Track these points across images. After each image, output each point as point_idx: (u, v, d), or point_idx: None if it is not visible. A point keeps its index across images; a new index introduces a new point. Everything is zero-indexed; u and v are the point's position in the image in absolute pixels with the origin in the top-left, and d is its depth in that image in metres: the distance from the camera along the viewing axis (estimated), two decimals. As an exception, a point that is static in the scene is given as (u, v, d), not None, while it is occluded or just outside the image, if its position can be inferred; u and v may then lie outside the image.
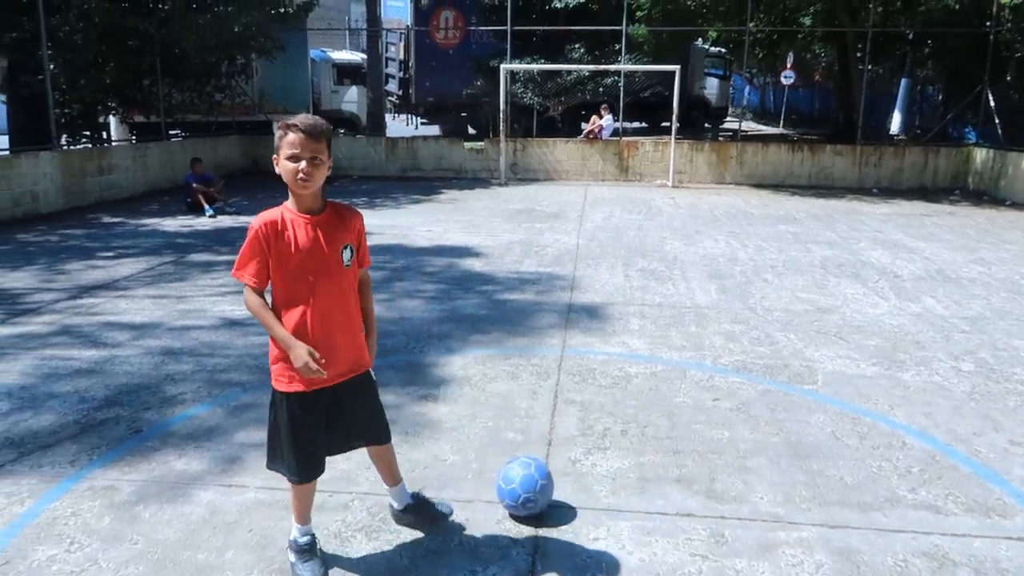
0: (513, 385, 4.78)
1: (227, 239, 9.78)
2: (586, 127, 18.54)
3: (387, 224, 10.96)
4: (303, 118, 2.55)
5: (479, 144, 17.06)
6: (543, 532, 3.15)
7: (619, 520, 3.24)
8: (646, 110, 24.29)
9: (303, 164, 2.52)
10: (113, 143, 16.45)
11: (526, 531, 3.15)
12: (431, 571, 2.90)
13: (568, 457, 3.82)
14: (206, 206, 11.63)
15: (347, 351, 2.73)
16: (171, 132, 16.68)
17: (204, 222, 11.08)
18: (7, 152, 11.79)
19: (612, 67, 16.93)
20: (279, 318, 2.61)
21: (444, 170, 17.14)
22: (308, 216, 2.62)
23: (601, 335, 5.84)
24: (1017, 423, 4.30)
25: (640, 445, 3.96)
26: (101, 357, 5.21)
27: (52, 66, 11.98)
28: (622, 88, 17.06)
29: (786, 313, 6.49)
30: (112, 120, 17.36)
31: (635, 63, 17.52)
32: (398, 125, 27.05)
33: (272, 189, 14.77)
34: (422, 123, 25.90)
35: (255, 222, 2.56)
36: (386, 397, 4.54)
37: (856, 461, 3.80)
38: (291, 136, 2.52)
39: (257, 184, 15.38)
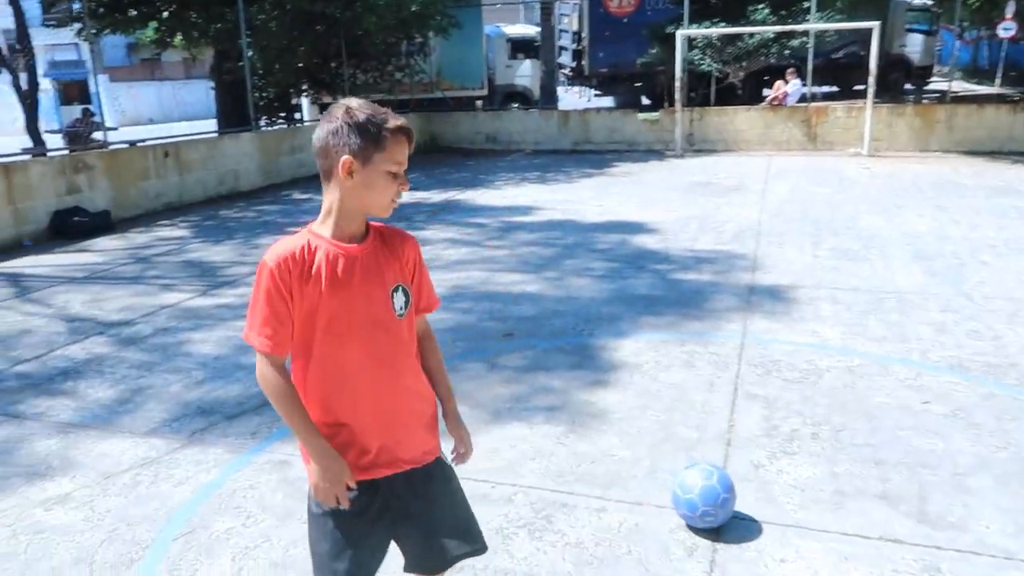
0: (688, 375, 4.45)
1: (402, 214, 10.03)
2: (769, 93, 17.33)
3: (558, 199, 10.80)
4: (398, 116, 1.80)
5: (654, 115, 16.45)
6: (721, 547, 2.84)
7: (810, 540, 2.87)
8: (837, 72, 22.35)
9: (403, 182, 1.82)
10: (300, 124, 17.52)
11: (702, 543, 2.86)
12: (597, 579, 2.69)
13: (750, 461, 3.46)
14: (385, 182, 12.03)
15: (412, 435, 1.92)
16: (355, 112, 17.48)
17: (383, 198, 11.47)
18: (212, 135, 12.83)
19: (801, 27, 15.63)
20: (305, 399, 1.80)
21: (617, 143, 16.71)
22: (350, 246, 1.81)
23: (787, 322, 5.32)
24: None
25: (834, 452, 3.51)
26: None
27: (250, 53, 12.84)
28: (811, 49, 15.73)
29: (1010, 302, 5.61)
30: (304, 101, 18.49)
31: (827, 21, 16.05)
32: (570, 98, 26.81)
33: (448, 165, 15.13)
34: (595, 95, 25.47)
35: (269, 258, 1.75)
36: (552, 381, 4.40)
37: (1113, 489, 3.14)
38: (402, 142, 1.79)
39: (432, 160, 15.77)
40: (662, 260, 7.16)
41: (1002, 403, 3.97)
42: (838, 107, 15.60)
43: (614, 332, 5.22)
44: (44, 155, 9.76)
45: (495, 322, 5.51)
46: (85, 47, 37.50)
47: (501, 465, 3.49)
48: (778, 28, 15.89)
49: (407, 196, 8.61)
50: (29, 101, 12.53)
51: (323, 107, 18.72)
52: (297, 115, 17.64)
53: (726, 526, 2.92)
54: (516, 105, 21.33)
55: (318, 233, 1.81)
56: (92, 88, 38.85)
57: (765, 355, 4.71)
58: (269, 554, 2.89)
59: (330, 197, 1.80)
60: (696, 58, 16.93)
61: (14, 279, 7.30)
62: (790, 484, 3.26)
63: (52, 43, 32.32)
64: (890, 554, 2.77)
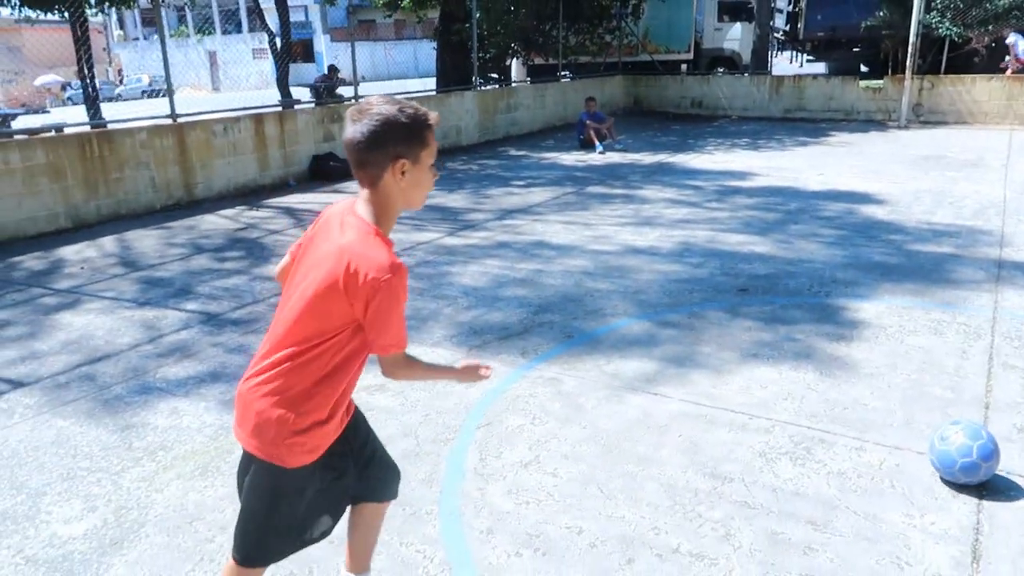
0: (937, 341, 4.46)
1: (618, 174, 10.36)
2: (1007, 63, 15.77)
3: (773, 166, 10.66)
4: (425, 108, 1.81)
5: (878, 83, 15.55)
6: (988, 494, 2.97)
7: (1084, 498, 2.93)
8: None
9: (435, 172, 1.88)
10: (514, 83, 18.20)
11: (968, 489, 3.00)
12: (859, 505, 2.93)
13: (1012, 424, 3.50)
14: (597, 143, 12.40)
15: None
16: (562, 73, 17.92)
17: (595, 158, 11.85)
18: (437, 92, 13.75)
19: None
20: (341, 376, 1.86)
21: (833, 111, 16.00)
22: None
23: (1043, 300, 5.12)
24: None
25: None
26: (531, 270, 5.99)
27: (477, 15, 13.56)
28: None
29: None
30: (514, 63, 19.17)
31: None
32: (780, 63, 25.65)
33: (653, 128, 15.23)
34: (808, 60, 24.23)
35: (391, 271, 1.72)
36: (795, 334, 4.60)
37: None
38: (434, 133, 1.81)
39: (638, 123, 15.92)
40: (895, 231, 6.99)
41: None
42: (1102, 78, 13.95)
43: (852, 295, 5.28)
44: (315, 104, 10.97)
45: (727, 278, 5.73)
46: (313, 9, 40.67)
47: (755, 401, 3.77)
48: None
49: (619, 158, 9.11)
50: (283, 60, 14.02)
51: (532, 68, 19.33)
52: (504, 76, 18.38)
53: (991, 481, 3.03)
54: (722, 70, 20.83)
55: (384, 236, 1.80)
56: (316, 47, 42.20)
57: (1021, 330, 4.60)
58: (559, 448, 3.38)
59: (378, 200, 1.80)
60: (933, 20, 15.71)
61: (291, 212, 8.45)
62: (1058, 448, 3.29)
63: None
64: None
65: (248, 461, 1.92)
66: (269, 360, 1.84)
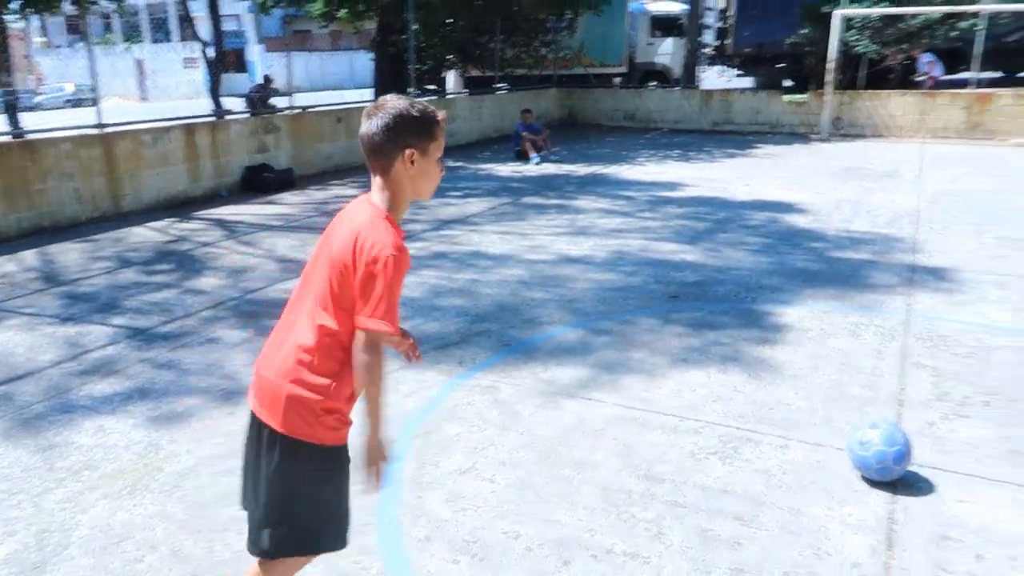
0: (855, 343, 4.68)
1: (553, 185, 10.50)
2: (921, 77, 16.66)
3: (702, 177, 10.97)
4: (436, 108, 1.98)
5: (801, 97, 16.16)
6: (902, 486, 3.13)
7: (987, 488, 3.12)
8: (1005, 57, 20.99)
9: (442, 167, 2.04)
10: (449, 95, 18.28)
11: (883, 483, 3.16)
12: (784, 500, 3.05)
13: (923, 420, 3.71)
14: (533, 154, 12.54)
15: None
16: (498, 85, 18.07)
17: (531, 169, 11.98)
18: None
19: (972, 8, 14.90)
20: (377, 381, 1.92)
21: (759, 124, 16.54)
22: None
23: (952, 302, 5.42)
24: None
25: (1008, 418, 3.70)
26: (468, 280, 6.03)
27: (414, 27, 13.59)
28: (982, 32, 14.97)
29: None
30: (450, 75, 19.26)
31: (1003, 2, 15.21)
32: (710, 77, 26.40)
33: (586, 140, 15.49)
34: (736, 75, 25.02)
35: (392, 249, 1.83)
36: (723, 339, 4.75)
37: None
38: (443, 131, 1.99)
39: (572, 135, 16.16)
40: (816, 239, 7.29)
41: None
42: (1005, 94, 14.81)
43: (777, 301, 5.49)
44: (249, 115, 10.79)
45: (659, 285, 5.88)
46: (247, 18, 40.00)
47: (685, 404, 3.89)
48: (947, 8, 15.20)
49: (555, 169, 9.22)
50: (215, 70, 13.78)
51: (468, 80, 19.45)
52: (441, 88, 18.44)
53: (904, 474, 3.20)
54: (655, 84, 21.33)
55: (394, 222, 1.91)
56: (249, 57, 41.45)
57: (932, 330, 4.86)
58: (497, 455, 3.42)
59: (390, 187, 1.94)
60: (852, 39, 16.44)
61: (222, 223, 8.29)
62: (964, 441, 3.49)
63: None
64: (1068, 506, 2.99)
65: (269, 454, 1.94)
66: (298, 346, 1.92)
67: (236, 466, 2.21)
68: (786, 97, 16.38)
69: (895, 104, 15.25)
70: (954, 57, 17.77)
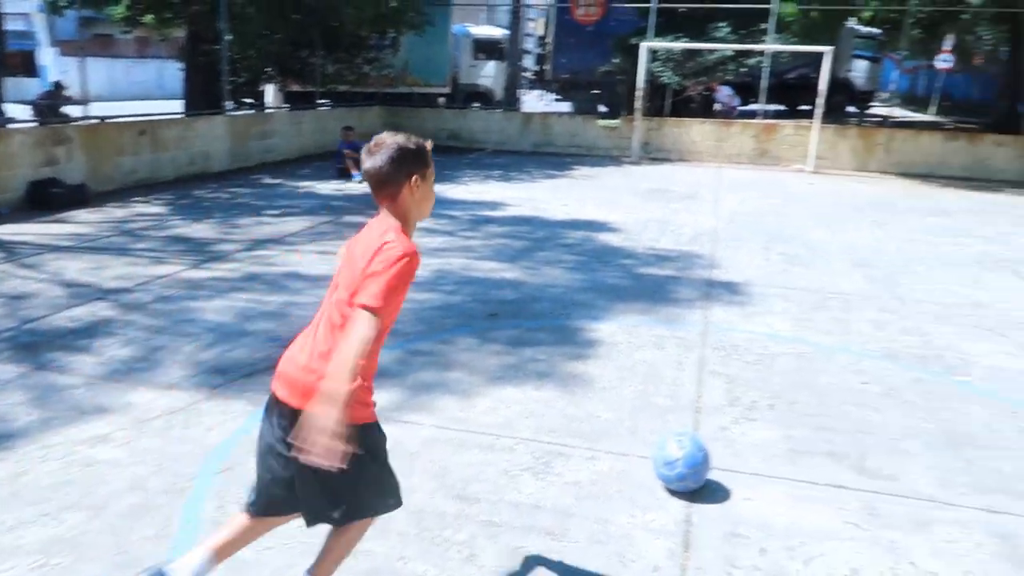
0: (659, 355, 4.96)
1: (375, 204, 10.35)
2: (720, 107, 18.28)
3: (523, 197, 11.27)
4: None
5: (614, 122, 17.10)
6: (696, 493, 3.34)
7: (770, 485, 3.40)
8: (787, 92, 23.46)
9: None
10: (268, 110, 17.61)
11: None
12: (593, 511, 3.16)
13: (717, 425, 3.99)
14: (354, 172, 12.33)
15: None
16: (320, 101, 17.65)
17: (353, 187, 11.77)
18: (186, 115, 12.92)
19: (758, 47, 16.51)
20: (377, 349, 2.16)
21: (576, 147, 17.30)
22: None
23: (743, 314, 5.91)
24: None
25: (789, 419, 4.07)
26: (281, 302, 5.78)
27: (227, 37, 12.97)
28: (767, 69, 16.61)
29: (938, 306, 6.32)
30: (269, 88, 18.56)
31: (782, 43, 16.98)
32: (531, 101, 27.34)
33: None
34: (555, 99, 26.09)
35: (410, 251, 2.07)
36: (538, 355, 4.87)
37: (1016, 451, 3.77)
38: (431, 159, 2.25)
39: (399, 153, 16.08)
40: (627, 256, 7.70)
41: (928, 387, 4.60)
42: (787, 125, 16.51)
43: (590, 317, 5.72)
44: (38, 124, 9.76)
45: (479, 304, 5.94)
46: (37, 18, 36.42)
47: (501, 421, 3.94)
48: (737, 47, 16.72)
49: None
50: (-5, 72, 12.40)
51: (289, 95, 18.84)
52: (259, 102, 17.74)
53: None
54: (478, 105, 21.76)
55: (407, 236, 2.18)
56: (41, 60, 37.69)
57: (725, 341, 5.27)
58: (306, 485, 3.28)
59: (399, 212, 2.20)
60: (657, 69, 17.64)
61: (0, 245, 7.42)
62: (752, 443, 3.79)
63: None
64: (836, 496, 3.32)
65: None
66: (320, 354, 2.14)
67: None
68: (600, 122, 17.27)
69: (696, 131, 16.53)
70: (746, 90, 19.58)
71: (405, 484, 3.29)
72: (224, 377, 4.39)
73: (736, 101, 18.19)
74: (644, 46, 15.67)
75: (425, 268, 6.83)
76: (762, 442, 3.80)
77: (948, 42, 22.79)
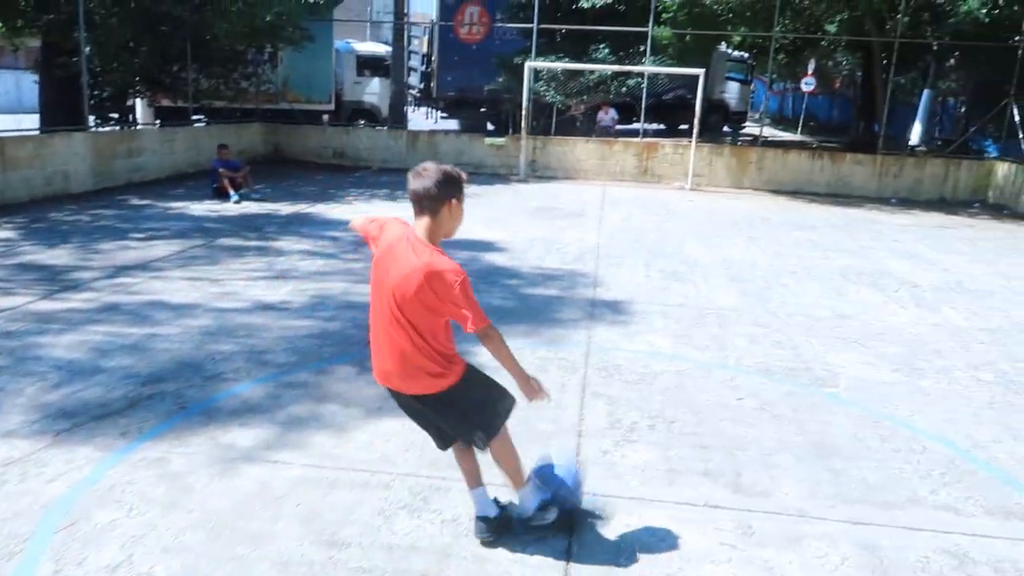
0: (542, 378, 4.84)
1: (254, 225, 9.94)
2: (605, 124, 18.79)
3: (409, 216, 11.05)
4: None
5: (500, 140, 17.19)
6: (577, 520, 3.28)
7: (650, 509, 3.38)
8: (666, 112, 24.36)
9: None
10: (139, 126, 16.66)
11: (560, 521, 3.28)
12: (472, 548, 3.04)
13: (599, 448, 3.96)
14: (232, 192, 11.80)
15: None
16: (195, 117, 16.86)
17: (230, 208, 11.26)
18: (41, 132, 12.00)
19: (636, 68, 17.02)
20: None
21: (464, 165, 17.07)
22: None
23: (625, 332, 5.96)
24: (1035, 433, 4.41)
25: (667, 439, 4.09)
26: (143, 335, 5.38)
27: (87, 48, 12.17)
28: (645, 90, 17.15)
29: (807, 318, 6.60)
30: (138, 103, 17.57)
31: (659, 65, 17.59)
32: (417, 118, 27.16)
33: (295, 178, 14.99)
34: (442, 117, 26.04)
35: (458, 271, 2.70)
36: (420, 384, 4.70)
37: (878, 462, 3.92)
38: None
39: (278, 172, 15.57)
40: (513, 276, 7.67)
41: (798, 399, 4.76)
42: (666, 144, 17.08)
43: (473, 340, 5.60)
44: None
45: (359, 330, 5.72)
46: None
47: (377, 456, 3.76)
48: (615, 68, 17.19)
49: (256, 208, 8.75)
50: None
51: (160, 110, 17.90)
52: (130, 117, 16.76)
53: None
54: (363, 122, 21.40)
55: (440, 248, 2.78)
56: None
57: (607, 360, 5.29)
58: (159, 541, 3.00)
59: (435, 226, 2.78)
60: (541, 89, 17.90)
61: None
62: (632, 466, 3.78)
63: None
64: (712, 517, 3.34)
65: (435, 407, 2.97)
66: (402, 351, 2.83)
67: None
68: (487, 140, 17.32)
69: (581, 150, 16.84)
70: (628, 110, 20.17)
71: (270, 530, 3.09)
72: (70, 421, 4.00)
73: (611, 119, 18.67)
74: (528, 66, 15.85)
75: (302, 294, 6.57)
76: (642, 464, 3.80)
77: (811, 66, 24.35)
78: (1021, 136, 15.52)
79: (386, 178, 15.78)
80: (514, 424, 4.19)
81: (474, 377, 3.01)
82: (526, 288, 7.22)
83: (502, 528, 3.12)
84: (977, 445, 4.19)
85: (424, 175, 2.73)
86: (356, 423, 4.13)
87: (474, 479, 3.15)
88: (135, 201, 11.47)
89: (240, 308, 6.15)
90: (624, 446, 4.00)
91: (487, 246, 9.14)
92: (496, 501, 3.18)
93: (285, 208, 11.43)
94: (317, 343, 5.39)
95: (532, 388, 2.98)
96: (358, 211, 11.35)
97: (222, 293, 6.57)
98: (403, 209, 10.88)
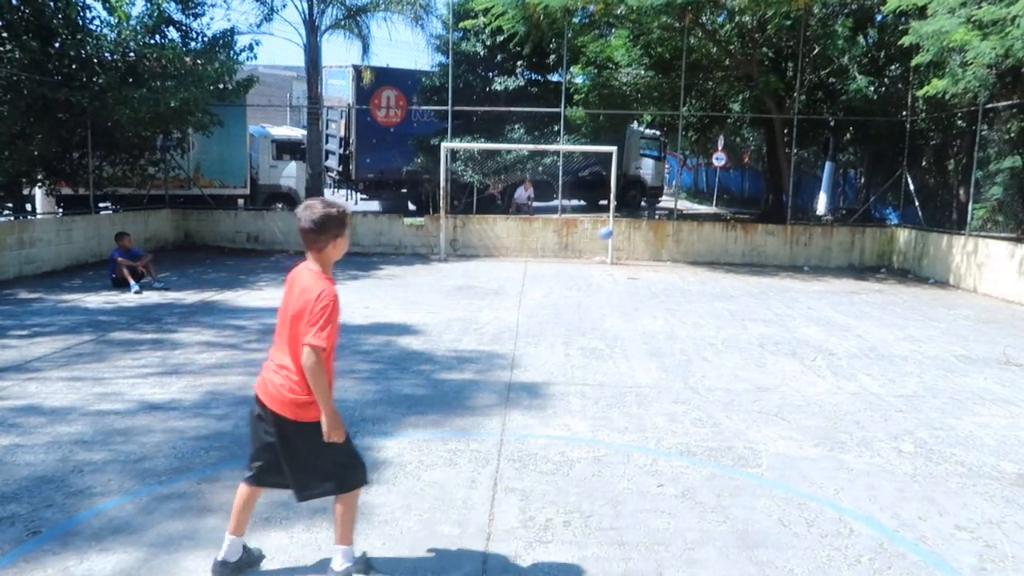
0: (451, 473, 4.56)
1: (152, 316, 9.35)
2: (523, 203, 18.98)
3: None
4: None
5: (419, 220, 17.05)
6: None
7: (563, 623, 3.03)
8: (585, 188, 24.83)
9: None
10: (38, 215, 15.85)
11: (463, 639, 2.90)
12: None
13: (509, 552, 3.61)
14: (132, 282, 11.18)
15: None
16: (101, 205, 16.17)
17: (129, 298, 10.62)
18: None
19: (551, 147, 17.30)
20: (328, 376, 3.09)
21: (384, 246, 17.01)
22: None
23: (542, 417, 5.68)
24: (960, 506, 4.28)
25: (584, 537, 3.77)
26: (4, 447, 4.79)
27: (-25, 137, 11.55)
28: (561, 167, 17.41)
29: (727, 392, 6.46)
30: (38, 192, 16.77)
31: (573, 143, 17.94)
32: (338, 200, 26.97)
33: (202, 265, 14.41)
34: (362, 199, 25.86)
35: (333, 292, 3.03)
36: (315, 488, 4.27)
37: (805, 550, 3.69)
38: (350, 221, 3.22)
39: (188, 259, 14.97)
40: (426, 361, 7.33)
41: (721, 482, 4.52)
42: (585, 219, 17.25)
43: (379, 433, 5.23)
44: None
45: (254, 428, 5.26)
46: None
47: None
48: (531, 147, 17.44)
49: (158, 297, 8.15)
50: None
51: (60, 199, 17.13)
52: (28, 206, 15.94)
53: (486, 619, 3.00)
54: (280, 206, 21.01)
55: (330, 278, 3.14)
56: None
57: (522, 449, 4.97)
58: None
59: (323, 259, 3.14)
60: (459, 169, 17.96)
61: None
62: (545, 572, 3.43)
63: None
64: (632, 629, 3.01)
65: (293, 436, 3.17)
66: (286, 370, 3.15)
67: None
68: (406, 220, 17.15)
69: (501, 227, 16.82)
70: (547, 188, 20.43)
71: None
72: None
73: (527, 197, 18.91)
74: (444, 147, 15.89)
75: (195, 391, 6.09)
76: (555, 570, 3.46)
77: (720, 142, 25.36)
78: (916, 204, 16.30)
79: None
80: (416, 528, 3.82)
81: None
82: (440, 373, 6.89)
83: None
84: (904, 524, 4.02)
85: (309, 213, 3.07)
86: (237, 540, 3.66)
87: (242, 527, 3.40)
88: (24, 295, 10.71)
89: (122, 410, 5.60)
90: (536, 548, 3.65)
91: (402, 329, 8.80)
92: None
93: (190, 297, 10.86)
94: (205, 445, 4.90)
95: (333, 423, 3.10)
96: (268, 297, 10.88)
97: (104, 394, 6.00)
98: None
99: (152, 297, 10.75)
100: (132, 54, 13.76)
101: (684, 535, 3.81)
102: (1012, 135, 16.08)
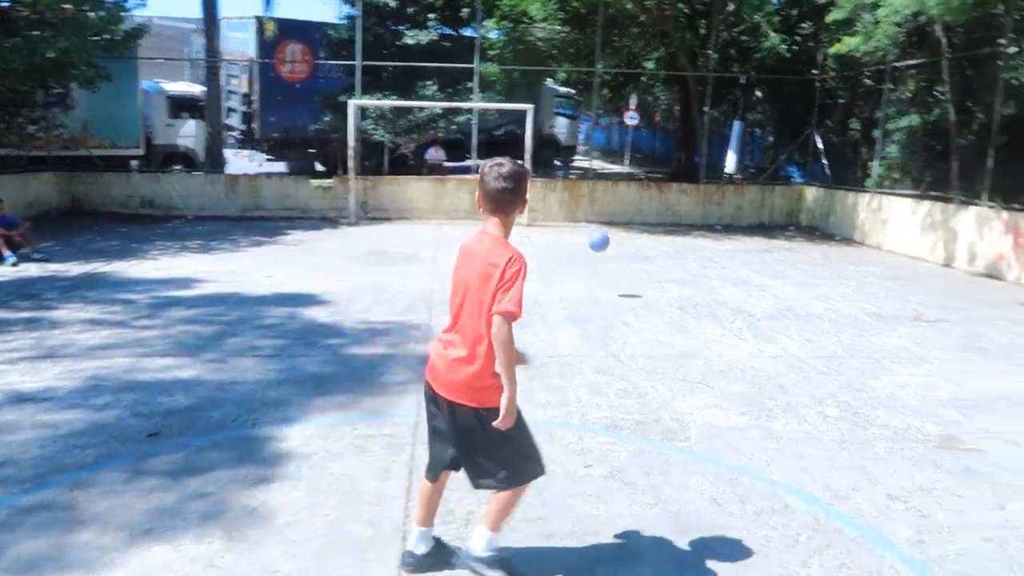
0: (361, 462, 4.17)
1: (29, 292, 8.47)
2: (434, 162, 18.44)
3: (222, 270, 9.96)
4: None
5: (327, 182, 16.27)
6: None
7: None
8: (499, 148, 24.29)
9: None
10: None
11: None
12: None
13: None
14: (6, 253, 10.14)
15: None
16: (-28, 168, 14.71)
17: (4, 272, 9.63)
18: None
19: (464, 104, 16.73)
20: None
21: (289, 209, 16.16)
22: None
23: (461, 393, 5.32)
24: (889, 473, 4.20)
25: (509, 531, 3.46)
26: None
27: None
28: (475, 126, 16.88)
29: (650, 359, 6.28)
30: None
31: (488, 101, 17.42)
32: (241, 162, 25.56)
33: (90, 232, 13.31)
34: (267, 160, 24.61)
35: (521, 257, 2.83)
36: (207, 486, 3.85)
37: (742, 531, 3.50)
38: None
39: (74, 226, 13.79)
40: (335, 334, 6.86)
41: (650, 458, 4.31)
42: (500, 180, 16.82)
43: (281, 420, 4.77)
44: None
45: (139, 419, 4.72)
46: None
47: None
48: (443, 104, 16.83)
49: (37, 270, 7.35)
50: None
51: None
52: None
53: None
54: (178, 167, 19.72)
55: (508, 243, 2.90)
56: None
57: (440, 431, 4.61)
58: None
59: (509, 222, 2.97)
60: (369, 127, 17.20)
61: None
62: (467, 573, 3.12)
63: None
64: (564, 638, 2.73)
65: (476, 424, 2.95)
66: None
67: None
68: (313, 182, 16.34)
69: (413, 189, 16.24)
70: (459, 147, 19.85)
71: None
72: None
73: (440, 156, 18.39)
74: (352, 103, 15.12)
75: (73, 377, 5.48)
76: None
77: (632, 100, 25.28)
78: (824, 163, 16.61)
79: (203, 227, 14.42)
80: (323, 531, 3.43)
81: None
82: (349, 348, 6.44)
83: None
84: (837, 496, 3.89)
85: (499, 173, 2.84)
86: (114, 556, 3.19)
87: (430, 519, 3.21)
88: None
89: (-17, 403, 4.94)
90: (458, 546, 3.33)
91: (308, 300, 8.26)
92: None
93: (74, 269, 9.93)
94: (80, 443, 4.34)
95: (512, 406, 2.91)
96: (163, 267, 10.08)
97: (-37, 384, 5.30)
98: (217, 262, 9.72)
99: (30, 270, 9.78)
100: (4, 1, 12.42)
101: (614, 522, 3.57)
102: (911, 94, 16.52)
